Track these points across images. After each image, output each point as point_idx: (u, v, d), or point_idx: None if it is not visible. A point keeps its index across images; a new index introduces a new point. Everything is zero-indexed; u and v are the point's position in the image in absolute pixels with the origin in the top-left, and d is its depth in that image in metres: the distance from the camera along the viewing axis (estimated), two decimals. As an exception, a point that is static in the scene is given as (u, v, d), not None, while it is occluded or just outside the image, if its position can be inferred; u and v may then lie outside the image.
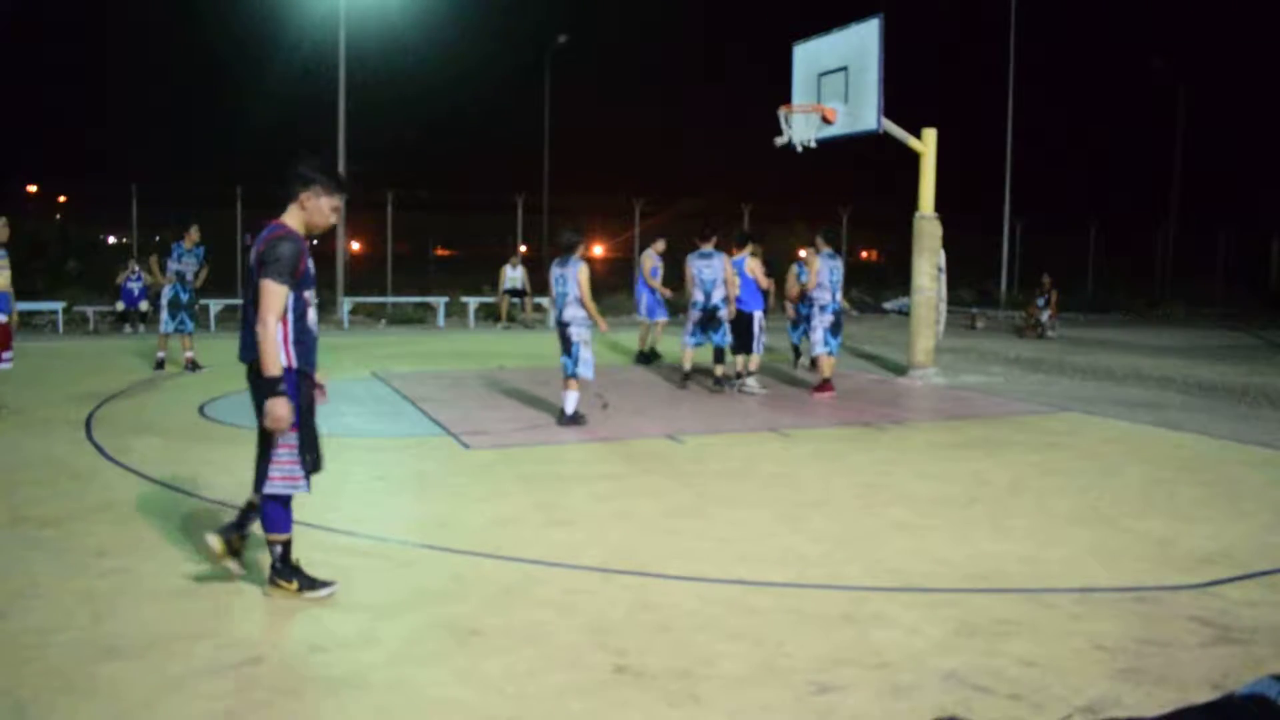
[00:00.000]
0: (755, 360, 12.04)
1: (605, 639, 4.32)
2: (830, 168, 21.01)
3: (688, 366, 12.26)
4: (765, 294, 12.16)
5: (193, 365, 13.27)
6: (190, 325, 13.26)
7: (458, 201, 30.83)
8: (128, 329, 19.61)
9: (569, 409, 9.53)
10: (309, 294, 4.70)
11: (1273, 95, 42.32)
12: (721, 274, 11.58)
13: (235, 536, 4.87)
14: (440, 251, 37.11)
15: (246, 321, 4.62)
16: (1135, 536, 6.04)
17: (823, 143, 13.35)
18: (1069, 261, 31.76)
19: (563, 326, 9.42)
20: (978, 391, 12.42)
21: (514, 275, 23.04)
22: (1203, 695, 3.78)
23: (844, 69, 13.07)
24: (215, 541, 4.81)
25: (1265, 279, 35.73)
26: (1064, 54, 46.86)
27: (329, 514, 6.33)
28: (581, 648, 4.23)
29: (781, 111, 13.54)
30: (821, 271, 11.66)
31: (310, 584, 4.76)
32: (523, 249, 25.22)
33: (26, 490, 6.81)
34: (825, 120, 13.23)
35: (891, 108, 12.78)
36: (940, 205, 13.51)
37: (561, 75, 32.29)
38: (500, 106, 48.96)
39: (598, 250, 35.52)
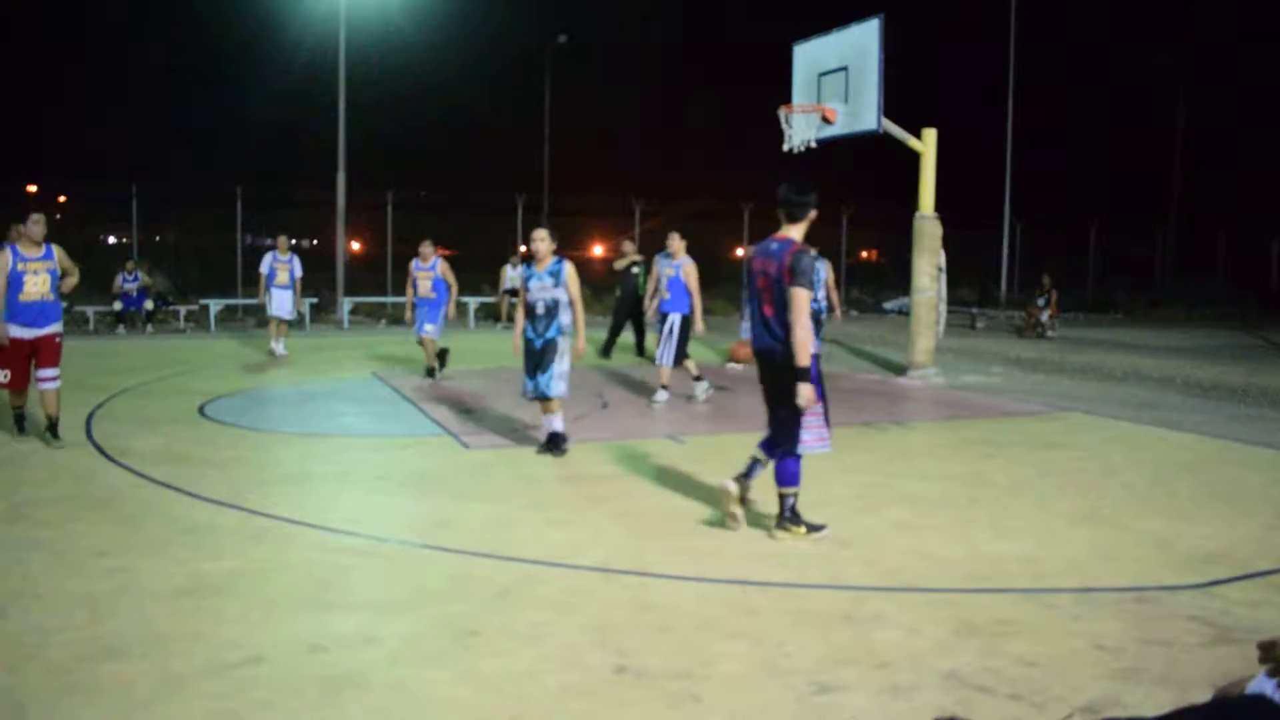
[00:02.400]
0: (664, 372, 10.91)
1: (605, 639, 4.32)
2: (831, 168, 21.02)
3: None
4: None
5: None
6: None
7: (458, 201, 30.82)
8: (121, 329, 19.55)
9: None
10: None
11: (1273, 95, 42.33)
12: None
13: (747, 485, 5.92)
14: (440, 251, 37.09)
15: (763, 318, 5.75)
16: (1135, 536, 6.04)
17: (823, 143, 13.35)
18: (1069, 262, 31.78)
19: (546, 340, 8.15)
20: (978, 391, 12.42)
21: (514, 275, 23.04)
22: (1203, 695, 3.78)
23: (844, 69, 13.07)
24: (734, 487, 5.89)
25: (1265, 279, 35.73)
26: (1064, 53, 46.88)
27: (329, 514, 6.34)
28: (581, 648, 4.23)
29: (782, 111, 13.55)
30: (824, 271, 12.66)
31: (815, 528, 5.87)
32: (523, 249, 25.20)
33: (26, 490, 6.81)
34: (825, 120, 13.23)
35: (891, 108, 12.79)
36: (940, 205, 13.51)
37: (562, 75, 32.32)
38: (500, 106, 49.00)
39: (598, 250, 35.52)
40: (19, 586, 4.89)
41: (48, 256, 8.27)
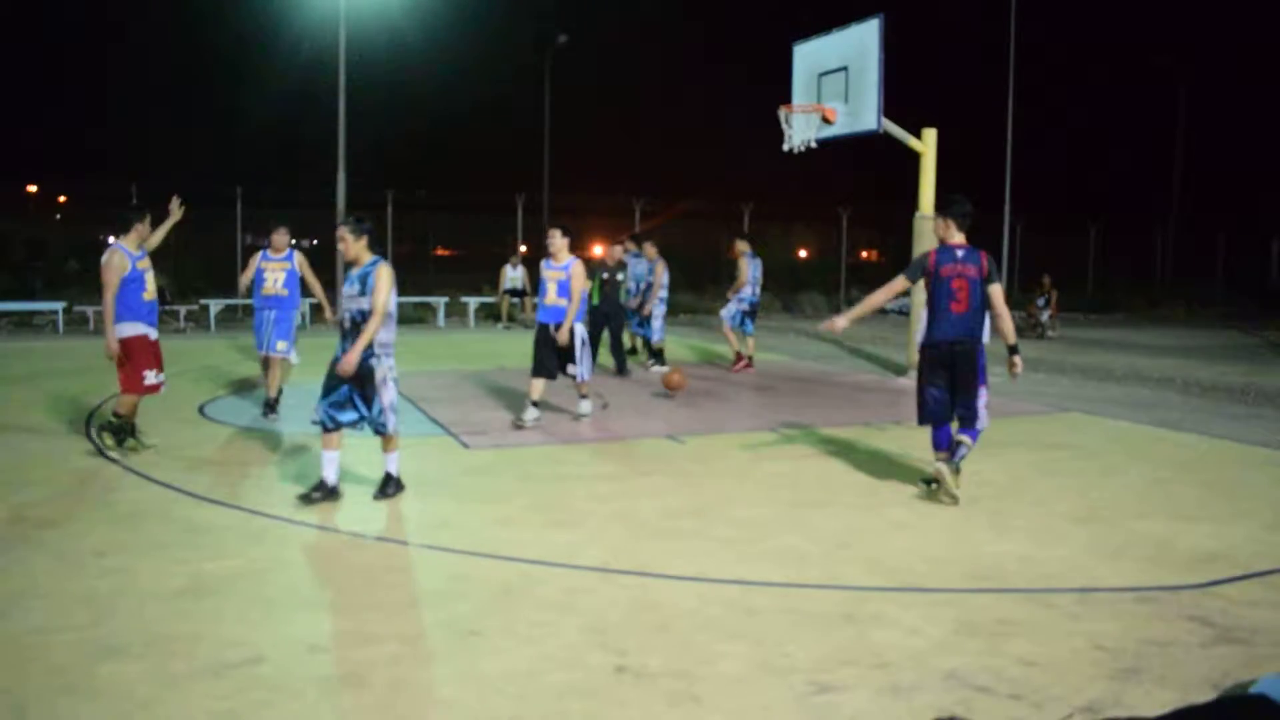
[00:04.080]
0: (586, 386, 9.84)
1: (605, 639, 4.32)
2: (831, 168, 21.01)
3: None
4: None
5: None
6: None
7: (458, 201, 30.82)
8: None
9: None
10: None
11: (1273, 95, 42.32)
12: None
13: (954, 465, 6.80)
14: (440, 251, 37.08)
15: (956, 316, 6.91)
16: (1135, 536, 6.04)
17: (823, 143, 13.34)
18: (1069, 261, 31.75)
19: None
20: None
21: (514, 275, 23.06)
22: (1203, 695, 3.79)
23: (844, 69, 13.06)
24: (948, 470, 6.75)
25: (1265, 279, 35.72)
26: (1065, 53, 46.88)
27: (329, 514, 6.34)
28: (581, 648, 4.23)
29: (782, 111, 13.54)
30: (749, 269, 13.77)
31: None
32: (523, 249, 25.22)
33: (27, 490, 6.81)
34: (825, 120, 13.23)
35: (891, 107, 12.78)
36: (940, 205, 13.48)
37: (562, 75, 32.31)
38: (500, 106, 49.01)
39: (597, 250, 35.50)
40: (20, 586, 4.89)
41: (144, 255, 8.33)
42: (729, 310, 13.94)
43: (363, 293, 6.52)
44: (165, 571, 5.15)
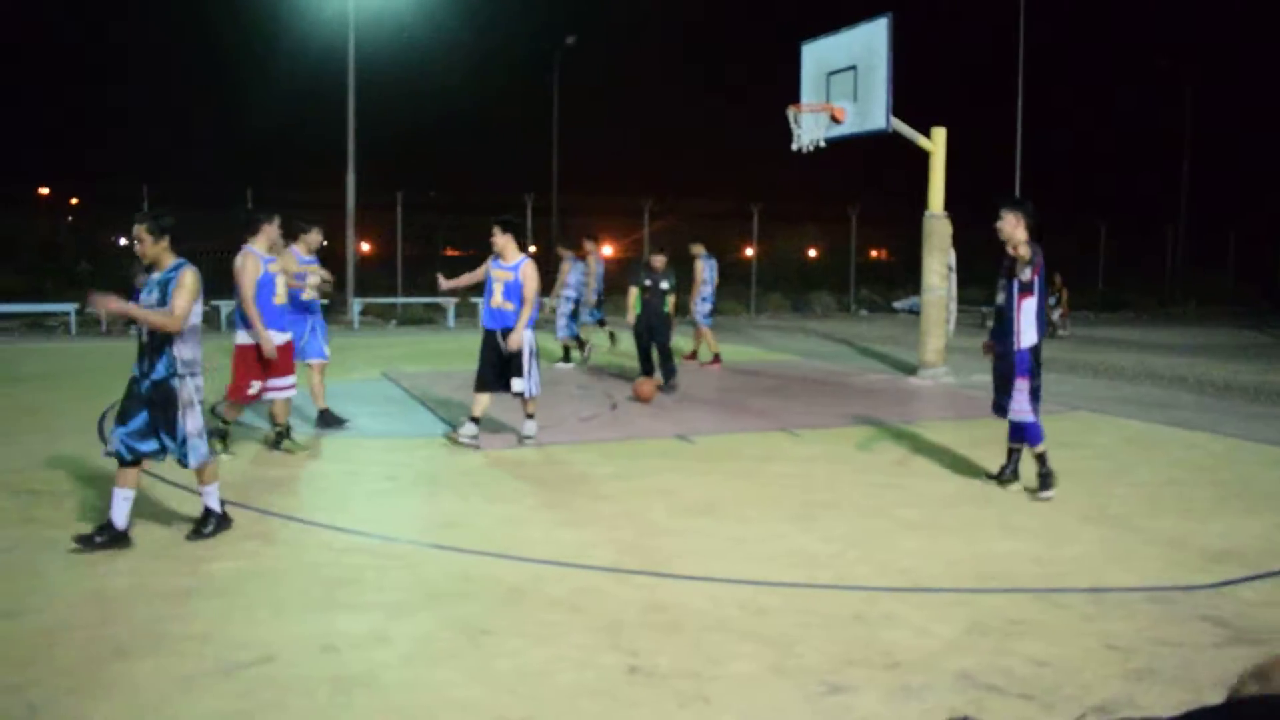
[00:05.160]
0: (532, 403, 8.71)
1: (617, 639, 4.32)
2: (839, 166, 20.95)
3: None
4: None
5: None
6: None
7: (466, 202, 30.87)
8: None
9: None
10: None
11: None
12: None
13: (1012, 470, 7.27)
14: (449, 252, 37.12)
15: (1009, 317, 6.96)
16: (1147, 536, 6.01)
17: (831, 142, 13.33)
18: (1080, 260, 31.64)
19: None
20: (988, 392, 12.33)
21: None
22: (1217, 696, 3.74)
23: (853, 68, 13.04)
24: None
25: (1275, 277, 35.55)
26: (1074, 51, 46.76)
27: (339, 514, 6.35)
28: (593, 648, 4.23)
29: (790, 111, 13.53)
30: (704, 270, 14.63)
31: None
32: (532, 249, 25.23)
33: (37, 491, 6.83)
34: (834, 120, 13.21)
35: (900, 106, 12.75)
36: (950, 204, 13.47)
37: (570, 75, 32.32)
38: (509, 106, 49.02)
39: (607, 251, 35.48)
40: (30, 586, 4.91)
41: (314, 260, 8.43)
42: (702, 311, 14.78)
43: (163, 301, 5.56)
44: (174, 571, 5.16)
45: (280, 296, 8.12)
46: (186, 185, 26.23)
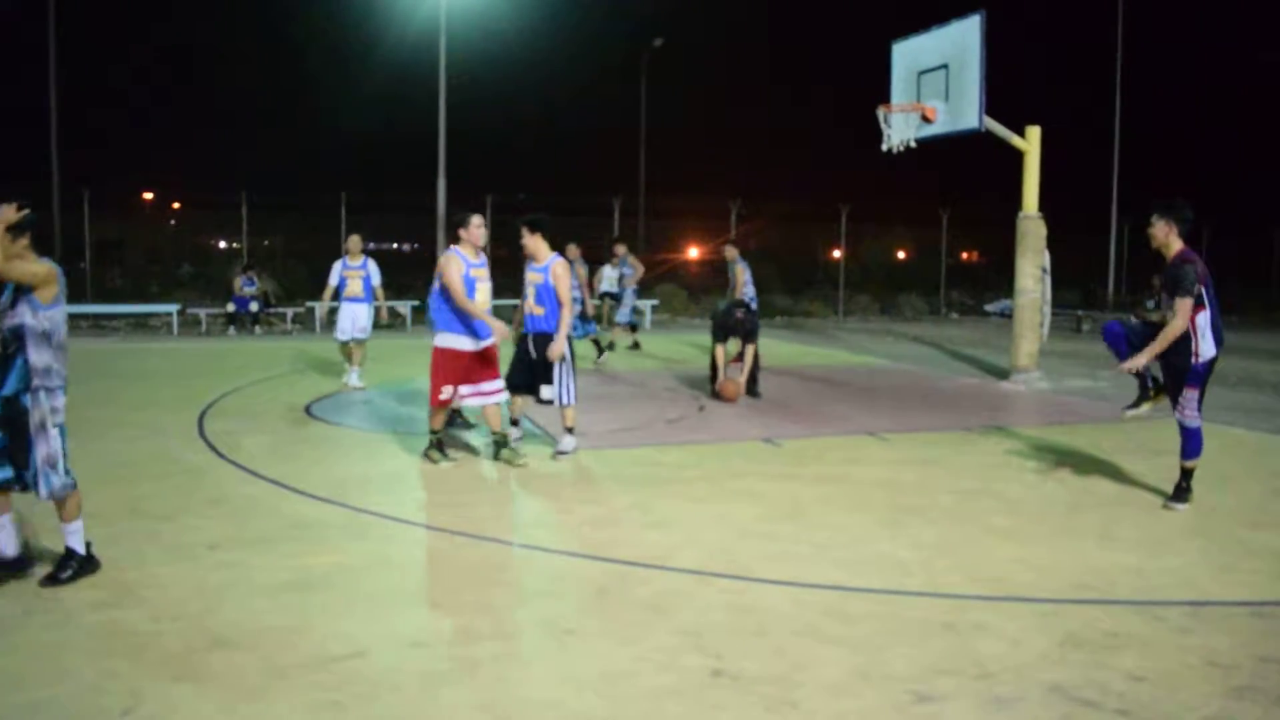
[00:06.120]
0: (569, 413, 8.27)
1: (701, 641, 4.32)
2: (929, 167, 20.62)
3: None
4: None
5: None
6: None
7: (556, 204, 31.16)
8: (231, 330, 20.26)
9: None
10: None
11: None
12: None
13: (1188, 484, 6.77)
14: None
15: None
16: (1250, 548, 5.80)
17: (922, 142, 13.14)
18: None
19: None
20: (1083, 397, 12.07)
21: (612, 275, 23.16)
22: (1326, 716, 3.62)
23: (944, 67, 12.84)
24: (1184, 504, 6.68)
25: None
26: (1176, 45, 45.34)
27: (430, 512, 6.46)
28: (677, 650, 4.23)
29: (880, 111, 13.37)
30: (745, 273, 13.11)
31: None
32: (621, 249, 25.35)
33: (143, 485, 7.07)
34: (925, 119, 13.02)
35: (994, 105, 12.51)
36: (1044, 204, 13.18)
37: (656, 76, 32.36)
38: (597, 108, 49.25)
39: (693, 253, 35.48)
40: (136, 577, 5.09)
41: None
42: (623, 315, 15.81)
43: (13, 305, 4.83)
44: (273, 565, 5.31)
45: (481, 301, 7.80)
46: (282, 189, 26.97)
